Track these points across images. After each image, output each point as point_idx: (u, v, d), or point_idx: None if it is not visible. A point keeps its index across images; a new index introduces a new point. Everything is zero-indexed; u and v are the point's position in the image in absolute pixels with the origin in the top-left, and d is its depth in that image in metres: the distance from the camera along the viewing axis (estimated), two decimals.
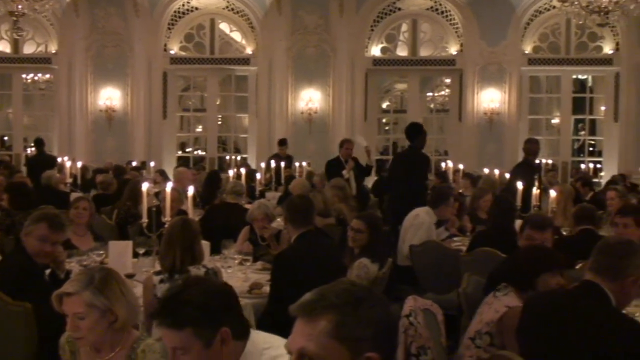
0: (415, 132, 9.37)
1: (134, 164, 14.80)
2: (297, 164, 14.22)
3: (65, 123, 17.28)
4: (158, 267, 4.92)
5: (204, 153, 19.01)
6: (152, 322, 4.19)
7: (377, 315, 1.84)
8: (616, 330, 3.05)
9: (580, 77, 18.96)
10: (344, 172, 10.41)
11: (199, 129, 20.51)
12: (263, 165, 12.55)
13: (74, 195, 9.77)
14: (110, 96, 16.99)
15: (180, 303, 2.51)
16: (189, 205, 5.99)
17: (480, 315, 3.93)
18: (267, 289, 4.98)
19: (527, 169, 9.37)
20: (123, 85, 17.10)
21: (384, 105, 21.99)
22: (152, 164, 15.09)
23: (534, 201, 8.00)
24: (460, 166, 14.42)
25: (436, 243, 7.06)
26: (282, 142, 14.80)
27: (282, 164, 12.74)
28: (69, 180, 11.48)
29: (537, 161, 10.34)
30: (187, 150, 19.74)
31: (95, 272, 3.03)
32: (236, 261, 5.72)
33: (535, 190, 8.07)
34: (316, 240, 5.13)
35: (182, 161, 17.66)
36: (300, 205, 5.26)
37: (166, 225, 5.53)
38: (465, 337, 3.94)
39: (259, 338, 2.64)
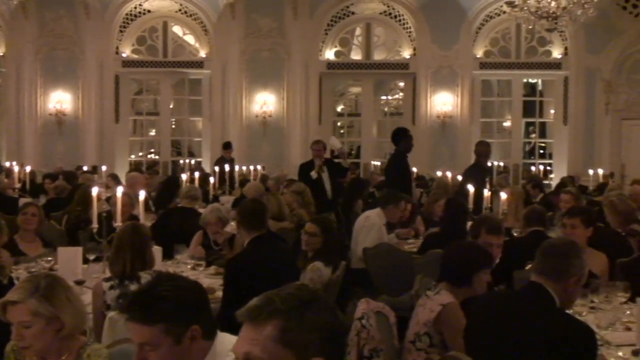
0: (399, 136, 9.65)
1: (85, 168, 14.57)
2: (252, 167, 14.19)
3: (13, 127, 16.96)
4: (108, 274, 4.85)
5: (157, 157, 18.84)
6: (101, 329, 4.16)
7: (323, 320, 1.84)
8: (560, 330, 3.10)
9: (530, 80, 19.27)
10: (312, 172, 10.30)
11: (153, 132, 20.31)
12: (217, 169, 12.46)
13: (22, 201, 9.61)
14: (60, 99, 16.73)
15: (154, 298, 2.48)
16: (140, 210, 5.92)
17: (416, 317, 4.00)
18: (220, 293, 4.94)
19: (478, 172, 9.49)
20: (74, 89, 16.86)
21: (339, 108, 22.03)
22: (104, 168, 14.90)
23: (485, 203, 8.09)
24: (414, 169, 14.53)
25: (389, 245, 7.11)
26: (227, 146, 14.82)
27: (228, 167, 12.76)
28: (18, 185, 11.25)
29: (488, 163, 10.49)
30: (140, 154, 19.54)
31: (41, 280, 2.97)
32: (189, 266, 5.68)
33: (486, 193, 8.16)
34: (269, 244, 5.11)
35: (135, 165, 17.48)
36: (252, 209, 5.24)
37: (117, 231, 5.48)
38: (406, 341, 4.00)
39: (226, 339, 2.61)
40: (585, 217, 5.10)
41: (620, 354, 3.55)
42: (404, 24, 17.16)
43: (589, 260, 3.43)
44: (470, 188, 7.90)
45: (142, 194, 5.83)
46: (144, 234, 4.65)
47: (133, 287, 4.35)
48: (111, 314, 4.17)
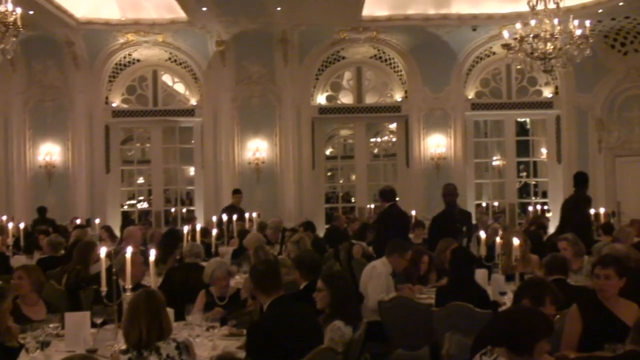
0: (584, 179, 10.20)
1: (78, 221, 14.26)
2: (247, 214, 13.96)
3: (1, 180, 16.68)
4: (120, 339, 4.62)
5: (148, 206, 18.59)
6: None
7: None
8: None
9: (519, 119, 19.26)
10: None
11: (140, 180, 20.09)
12: (214, 218, 12.23)
13: (17, 259, 9.33)
14: (49, 151, 16.52)
15: None
16: (151, 272, 5.65)
17: None
18: (240, 355, 4.73)
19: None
20: (63, 140, 16.66)
21: (328, 151, 21.93)
22: (97, 221, 14.61)
23: (497, 249, 7.85)
24: (413, 212, 14.39)
25: (406, 298, 6.89)
26: (237, 192, 14.60)
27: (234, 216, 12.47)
28: (10, 242, 10.88)
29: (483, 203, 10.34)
30: (131, 203, 19.29)
31: None
32: (203, 328, 5.42)
33: (498, 239, 7.93)
34: (289, 306, 4.92)
35: (127, 215, 17.23)
36: (264, 271, 5.08)
37: (127, 294, 5.23)
38: None
39: None
40: (619, 267, 4.91)
41: None
42: (394, 67, 17.16)
43: None
44: (482, 234, 7.71)
45: (152, 254, 5.56)
46: (159, 300, 4.41)
47: (152, 358, 4.13)
48: None
